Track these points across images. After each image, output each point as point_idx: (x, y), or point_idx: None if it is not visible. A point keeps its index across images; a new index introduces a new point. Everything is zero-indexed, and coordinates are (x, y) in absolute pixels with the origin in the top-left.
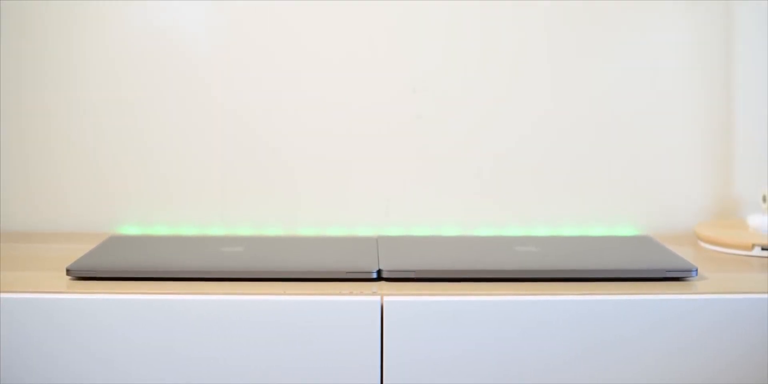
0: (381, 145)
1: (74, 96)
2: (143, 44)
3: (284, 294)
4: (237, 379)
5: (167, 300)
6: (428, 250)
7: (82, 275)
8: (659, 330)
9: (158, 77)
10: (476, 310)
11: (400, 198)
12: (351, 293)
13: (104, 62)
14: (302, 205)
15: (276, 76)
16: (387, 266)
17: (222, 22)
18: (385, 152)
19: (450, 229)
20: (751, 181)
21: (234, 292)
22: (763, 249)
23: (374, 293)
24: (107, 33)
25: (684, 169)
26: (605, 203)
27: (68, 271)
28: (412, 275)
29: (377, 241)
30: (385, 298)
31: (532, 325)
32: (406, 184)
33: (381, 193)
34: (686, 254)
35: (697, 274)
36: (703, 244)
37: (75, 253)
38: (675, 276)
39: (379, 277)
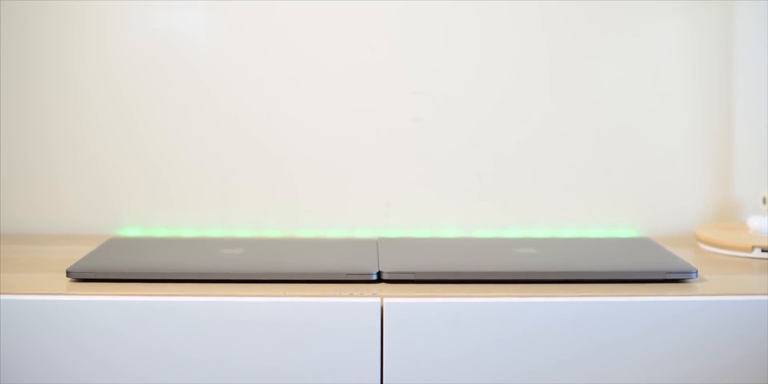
0: (380, 147)
1: (74, 98)
2: (143, 47)
3: (284, 295)
4: (237, 380)
5: (167, 302)
6: (428, 252)
7: (82, 277)
8: (659, 332)
9: (158, 79)
10: (476, 312)
11: (400, 200)
12: (351, 295)
13: (104, 64)
14: (302, 207)
15: (276, 78)
16: (387, 268)
17: (222, 25)
18: (385, 154)
19: (450, 230)
20: (751, 183)
21: (234, 293)
22: (763, 251)
23: (374, 295)
24: (107, 35)
25: (684, 171)
26: (605, 205)
27: (68, 273)
28: (412, 277)
29: (377, 243)
30: (385, 300)
31: (531, 327)
32: (405, 186)
33: (381, 196)
34: (686, 256)
35: (697, 276)
36: (703, 246)
37: (75, 254)
38: (675, 278)
39: (379, 279)
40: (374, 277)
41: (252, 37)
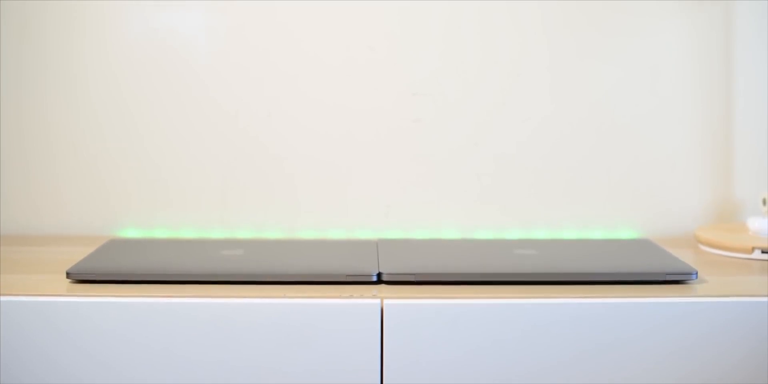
0: (380, 148)
1: (74, 99)
2: (143, 47)
3: (284, 297)
4: (237, 382)
5: (167, 303)
6: (428, 253)
7: (82, 278)
8: (659, 333)
9: (158, 80)
10: (476, 314)
11: (400, 201)
12: (351, 296)
13: (104, 64)
14: (302, 208)
15: (276, 79)
16: (387, 269)
17: (222, 26)
18: (385, 155)
19: (450, 232)
20: (751, 184)
21: (234, 295)
22: (763, 252)
23: (374, 296)
24: (107, 35)
25: (684, 172)
26: (605, 206)
27: (68, 274)
28: (412, 278)
29: (377, 244)
30: (385, 301)
31: (531, 329)
32: (405, 187)
33: (381, 196)
34: (686, 257)
35: (697, 277)
36: (703, 247)
37: (75, 256)
38: (675, 279)
39: (379, 280)
40: (374, 279)
41: (252, 37)
